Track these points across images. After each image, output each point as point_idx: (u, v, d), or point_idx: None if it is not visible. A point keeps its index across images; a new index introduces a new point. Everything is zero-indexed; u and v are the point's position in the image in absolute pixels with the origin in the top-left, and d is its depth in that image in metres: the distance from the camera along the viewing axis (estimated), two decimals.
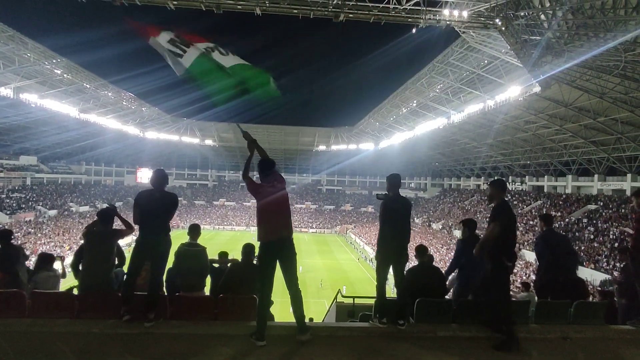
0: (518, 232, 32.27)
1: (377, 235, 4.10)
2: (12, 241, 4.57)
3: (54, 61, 31.73)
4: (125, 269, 4.21)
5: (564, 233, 25.49)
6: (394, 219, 3.95)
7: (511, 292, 4.37)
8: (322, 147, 72.54)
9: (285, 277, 3.46)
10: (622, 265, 5.27)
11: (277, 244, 3.45)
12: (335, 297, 6.91)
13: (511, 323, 3.65)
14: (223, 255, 5.19)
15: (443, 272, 4.76)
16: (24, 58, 29.41)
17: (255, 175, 3.70)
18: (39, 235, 37.55)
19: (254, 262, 4.48)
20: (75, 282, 4.15)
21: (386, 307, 3.89)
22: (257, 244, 3.65)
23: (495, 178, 3.99)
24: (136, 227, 3.80)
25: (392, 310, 3.83)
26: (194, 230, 4.62)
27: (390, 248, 3.95)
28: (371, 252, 46.91)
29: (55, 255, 5.02)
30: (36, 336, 3.36)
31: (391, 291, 4.88)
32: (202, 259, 4.43)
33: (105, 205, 4.50)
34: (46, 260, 4.74)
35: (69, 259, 5.55)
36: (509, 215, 3.80)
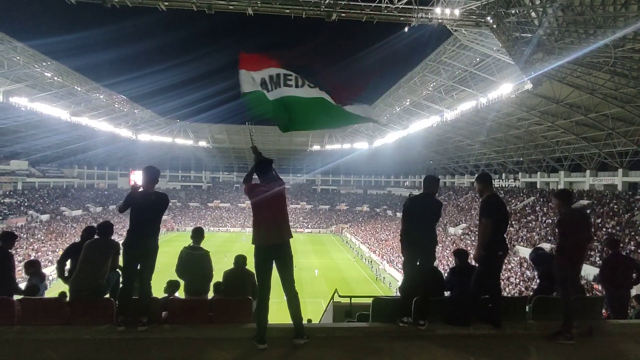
0: (512, 229, 32.50)
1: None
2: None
3: (44, 64, 31.43)
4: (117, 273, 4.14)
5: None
6: (414, 220, 3.86)
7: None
8: (316, 147, 72.49)
9: (281, 279, 3.40)
10: (608, 255, 5.24)
11: (268, 249, 3.37)
12: (332, 297, 6.86)
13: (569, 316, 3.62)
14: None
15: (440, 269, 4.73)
16: (14, 61, 29.07)
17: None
18: (31, 240, 37.09)
19: (247, 268, 4.50)
20: (65, 287, 4.07)
21: (406, 306, 3.78)
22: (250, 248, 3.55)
23: (480, 173, 3.89)
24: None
25: (413, 309, 3.74)
26: (198, 234, 4.57)
27: (412, 248, 3.87)
28: (367, 251, 47.00)
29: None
30: (26, 344, 3.28)
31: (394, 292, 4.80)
32: (205, 262, 4.38)
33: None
34: (37, 267, 4.91)
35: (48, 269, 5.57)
36: (497, 207, 3.82)
